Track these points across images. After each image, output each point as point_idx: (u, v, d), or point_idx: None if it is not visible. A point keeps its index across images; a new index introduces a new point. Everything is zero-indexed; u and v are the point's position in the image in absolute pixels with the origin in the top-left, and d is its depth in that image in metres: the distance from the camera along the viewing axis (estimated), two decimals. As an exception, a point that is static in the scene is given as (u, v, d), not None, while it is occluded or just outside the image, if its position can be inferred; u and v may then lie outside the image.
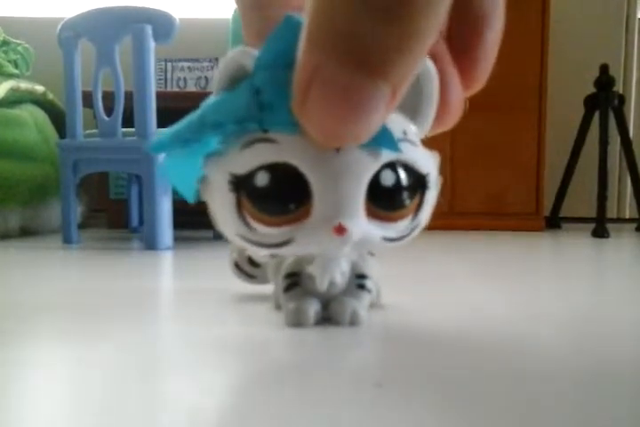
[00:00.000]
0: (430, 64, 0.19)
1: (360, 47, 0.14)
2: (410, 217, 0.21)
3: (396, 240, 0.22)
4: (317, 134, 0.17)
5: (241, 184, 0.20)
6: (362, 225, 0.20)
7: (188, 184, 0.22)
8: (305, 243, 0.21)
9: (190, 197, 0.22)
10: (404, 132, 0.20)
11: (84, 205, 1.63)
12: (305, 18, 0.15)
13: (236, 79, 0.19)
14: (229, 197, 0.20)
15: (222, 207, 0.21)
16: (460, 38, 0.20)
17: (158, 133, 1.19)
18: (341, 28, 0.14)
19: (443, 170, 0.22)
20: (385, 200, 0.20)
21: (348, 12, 0.14)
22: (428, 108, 0.20)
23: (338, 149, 0.19)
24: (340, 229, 0.20)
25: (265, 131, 0.19)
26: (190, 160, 0.21)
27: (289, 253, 0.21)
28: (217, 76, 0.20)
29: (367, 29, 0.14)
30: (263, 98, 0.18)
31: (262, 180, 0.19)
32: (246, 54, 0.19)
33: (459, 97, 0.20)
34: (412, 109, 0.21)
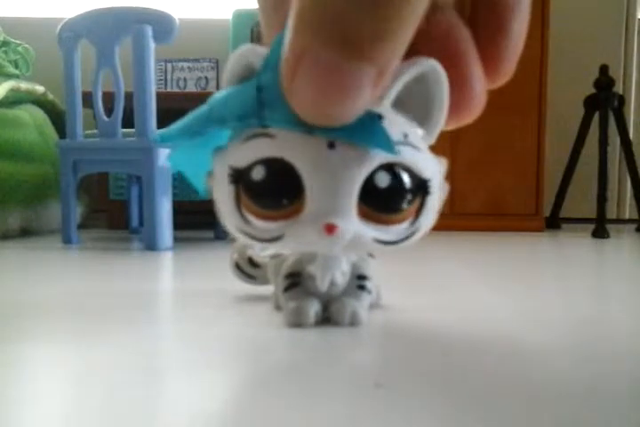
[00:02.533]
0: (439, 66, 0.19)
1: (345, 29, 0.15)
2: (408, 221, 0.21)
3: (391, 243, 0.21)
4: (303, 112, 0.17)
5: (239, 177, 0.20)
6: (353, 225, 0.20)
7: (199, 177, 0.22)
8: (295, 239, 0.21)
9: (202, 191, 0.22)
10: (405, 136, 0.20)
11: (84, 205, 1.63)
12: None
13: (244, 76, 0.20)
14: (229, 190, 0.21)
15: (223, 200, 0.21)
16: (486, 29, 0.20)
17: (160, 131, 1.19)
18: (328, 9, 0.15)
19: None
20: (379, 202, 0.20)
21: None
22: (438, 112, 0.20)
23: (332, 146, 0.19)
24: (331, 228, 0.20)
25: (264, 126, 0.19)
26: (200, 154, 0.21)
27: (281, 249, 0.21)
28: (226, 72, 0.20)
29: (352, 12, 0.15)
30: (265, 95, 0.19)
31: (258, 174, 0.20)
32: (255, 52, 0.19)
33: (482, 89, 0.20)
34: (421, 113, 0.20)
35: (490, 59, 0.20)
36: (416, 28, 0.16)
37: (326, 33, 0.15)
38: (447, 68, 0.19)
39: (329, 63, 0.15)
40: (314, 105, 0.16)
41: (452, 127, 0.21)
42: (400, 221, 0.21)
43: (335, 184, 0.19)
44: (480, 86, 0.20)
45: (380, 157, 0.19)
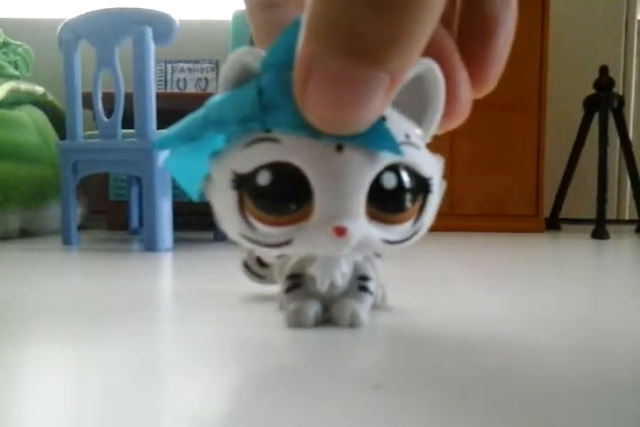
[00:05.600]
0: (436, 67, 0.19)
1: (358, 36, 0.15)
2: (412, 220, 0.21)
3: (396, 243, 0.22)
4: (317, 122, 0.17)
5: (243, 183, 0.20)
6: (362, 227, 0.20)
7: (193, 182, 0.22)
8: (305, 243, 0.21)
9: (194, 195, 0.22)
10: (407, 136, 0.20)
11: (84, 206, 1.63)
12: (305, 7, 0.15)
13: (241, 79, 0.20)
14: (232, 196, 0.20)
15: (225, 206, 0.21)
16: (471, 39, 0.20)
17: (158, 134, 1.19)
18: (340, 16, 0.15)
19: (443, 172, 0.22)
20: (386, 202, 0.20)
21: (346, 1, 0.14)
22: (434, 111, 0.20)
23: (340, 150, 0.19)
24: (340, 231, 0.19)
25: (267, 130, 0.19)
26: (196, 158, 0.21)
27: (290, 253, 0.21)
28: (222, 74, 0.20)
29: (365, 19, 0.14)
30: (266, 98, 0.18)
31: (264, 179, 0.19)
32: (252, 54, 0.19)
33: (468, 94, 0.20)
34: (417, 113, 0.20)
35: (475, 69, 0.20)
36: (431, 34, 0.15)
37: (338, 40, 0.15)
38: None
39: (341, 71, 0.15)
40: (327, 114, 0.16)
41: (440, 132, 0.21)
42: (405, 221, 0.21)
43: (344, 187, 0.19)
44: (466, 93, 0.20)
45: (386, 158, 0.19)
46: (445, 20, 0.20)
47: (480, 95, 0.21)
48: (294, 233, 0.20)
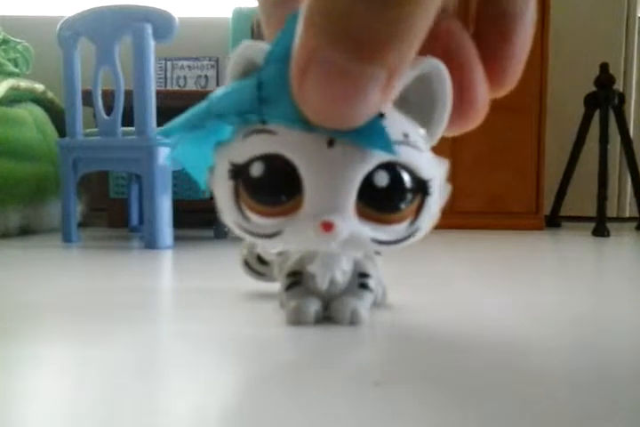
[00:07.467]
0: (442, 66, 0.19)
1: (355, 31, 0.15)
2: (407, 221, 0.21)
3: (388, 244, 0.21)
4: (312, 115, 0.17)
5: (239, 173, 0.20)
6: (351, 223, 0.20)
7: (201, 171, 0.22)
8: (293, 236, 0.21)
9: (203, 184, 0.22)
10: (405, 135, 0.20)
11: (84, 204, 1.63)
12: (304, 0, 0.15)
13: (246, 72, 0.20)
14: (228, 186, 0.21)
15: (223, 196, 0.21)
16: (489, 36, 0.20)
17: (158, 132, 1.19)
18: (338, 10, 0.15)
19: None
20: (377, 201, 0.20)
21: None
22: (441, 111, 0.20)
23: (331, 144, 0.19)
24: (327, 225, 0.20)
25: (264, 122, 0.19)
26: (202, 148, 0.21)
27: (281, 245, 0.21)
28: (228, 68, 0.20)
29: (363, 13, 0.14)
30: (264, 91, 0.19)
31: (257, 170, 0.20)
32: (256, 48, 0.19)
33: (484, 94, 0.20)
34: (423, 113, 0.20)
35: (494, 68, 0.20)
36: (427, 30, 0.15)
37: (335, 35, 0.15)
38: (449, 72, 0.19)
39: (338, 66, 0.15)
40: (323, 108, 0.16)
41: (455, 133, 0.21)
42: (399, 221, 0.21)
43: (334, 182, 0.19)
44: (482, 91, 0.19)
45: (379, 156, 0.19)
46: (460, 17, 0.19)
47: (498, 95, 0.21)
48: (284, 225, 0.20)
